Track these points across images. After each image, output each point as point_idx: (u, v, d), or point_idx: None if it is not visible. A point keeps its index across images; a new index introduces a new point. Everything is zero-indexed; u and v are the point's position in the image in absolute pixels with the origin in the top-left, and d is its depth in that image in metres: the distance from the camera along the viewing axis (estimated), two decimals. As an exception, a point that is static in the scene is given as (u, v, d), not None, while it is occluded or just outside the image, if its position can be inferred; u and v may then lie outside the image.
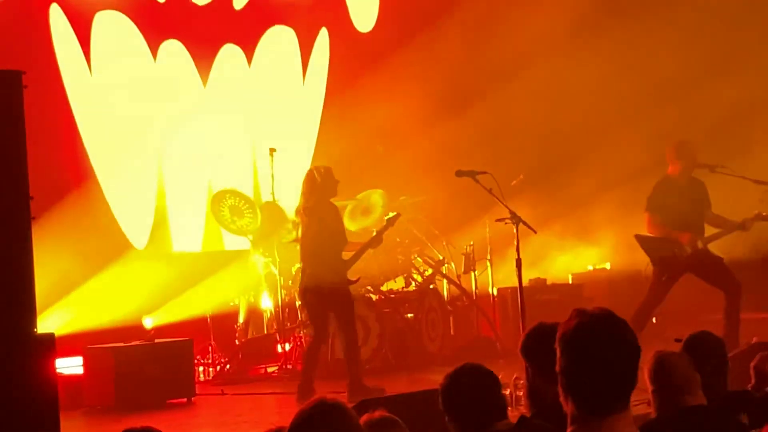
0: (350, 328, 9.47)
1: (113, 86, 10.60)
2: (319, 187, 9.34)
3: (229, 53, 11.29)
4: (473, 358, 3.93)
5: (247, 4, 11.49)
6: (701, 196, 10.30)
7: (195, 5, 11.03)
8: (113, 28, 10.53)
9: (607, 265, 13.51)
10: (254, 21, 11.52)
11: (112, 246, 10.94)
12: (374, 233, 9.94)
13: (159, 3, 11.01)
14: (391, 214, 10.20)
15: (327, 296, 9.32)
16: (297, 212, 9.68)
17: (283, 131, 11.77)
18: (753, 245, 11.92)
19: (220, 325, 11.30)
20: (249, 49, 11.46)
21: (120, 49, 10.61)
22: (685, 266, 10.00)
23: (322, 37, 12.07)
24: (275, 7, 11.70)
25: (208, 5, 11.11)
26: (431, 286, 11.68)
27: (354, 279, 9.75)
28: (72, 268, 10.49)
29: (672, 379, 4.27)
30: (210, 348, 10.98)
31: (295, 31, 11.85)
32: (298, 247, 9.66)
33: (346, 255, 9.57)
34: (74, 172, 10.48)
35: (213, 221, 11.35)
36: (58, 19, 10.25)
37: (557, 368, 3.05)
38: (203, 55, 11.14)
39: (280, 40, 11.72)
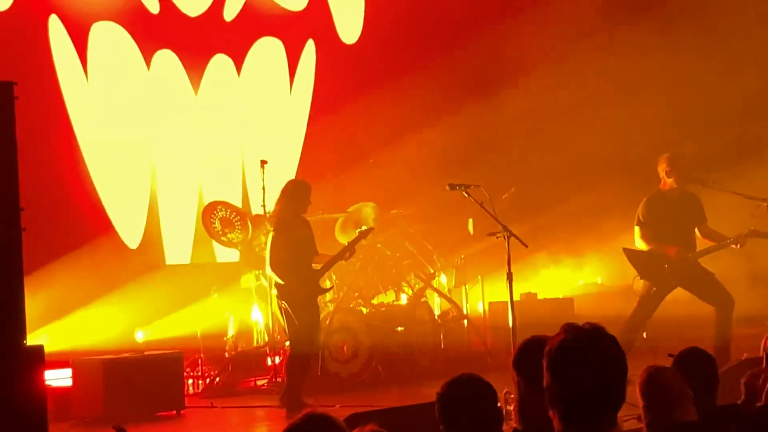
0: (311, 338, 9.26)
1: (108, 93, 10.80)
2: (292, 200, 9.31)
3: (220, 63, 11.42)
4: (464, 372, 3.80)
5: (237, 16, 11.53)
6: (694, 210, 10.17)
7: (187, 17, 11.15)
8: (109, 38, 10.72)
9: (599, 280, 13.29)
10: (244, 32, 11.64)
11: (107, 248, 10.88)
12: (346, 244, 9.81)
13: (153, 14, 11.08)
14: (363, 227, 10.28)
15: (293, 305, 9.21)
16: (269, 220, 9.76)
17: (270, 139, 11.88)
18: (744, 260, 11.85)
19: (210, 337, 11.21)
20: (238, 59, 11.57)
21: (115, 58, 10.80)
22: (674, 281, 9.85)
23: (309, 49, 12.14)
24: (264, 19, 11.75)
25: (199, 17, 11.21)
26: (422, 300, 11.54)
27: (327, 287, 9.87)
28: (69, 278, 10.26)
29: (663, 394, 4.24)
30: (200, 360, 10.88)
31: (283, 42, 11.93)
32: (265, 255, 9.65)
33: (317, 266, 9.44)
34: (72, 176, 10.56)
35: (203, 232, 11.23)
36: (56, 29, 10.43)
37: (544, 383, 3.05)
38: (195, 64, 11.27)
39: (268, 51, 11.85)
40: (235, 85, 11.50)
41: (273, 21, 11.77)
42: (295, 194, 9.39)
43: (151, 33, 10.96)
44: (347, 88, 12.40)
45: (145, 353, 9.56)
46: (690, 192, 10.21)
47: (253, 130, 11.77)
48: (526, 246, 8.70)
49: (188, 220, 11.60)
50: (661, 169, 10.07)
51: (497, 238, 8.59)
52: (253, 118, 11.77)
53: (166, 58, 11.03)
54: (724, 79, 14.06)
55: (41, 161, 10.11)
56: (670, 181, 9.98)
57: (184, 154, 11.50)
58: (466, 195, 9.08)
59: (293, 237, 9.35)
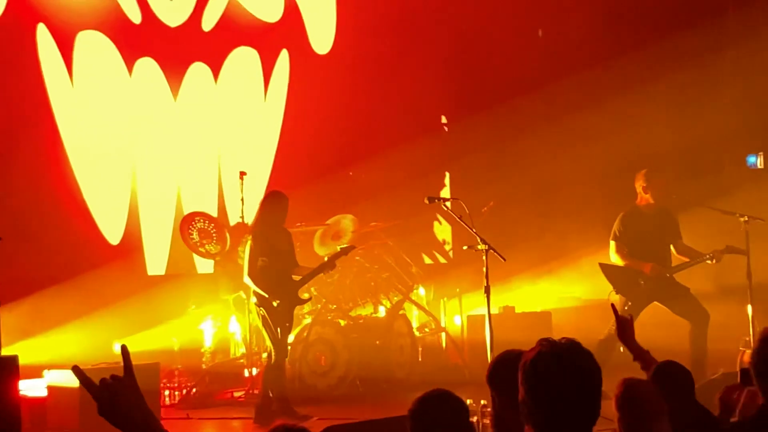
0: (281, 348, 9.24)
1: (92, 98, 10.91)
2: (270, 210, 9.30)
3: (198, 71, 11.50)
4: (441, 385, 3.81)
5: (215, 26, 11.56)
6: (670, 227, 10.12)
7: (167, 27, 11.25)
8: (93, 46, 10.85)
9: (576, 294, 13.05)
10: (221, 42, 11.69)
11: (88, 243, 10.95)
12: (325, 258, 9.70)
13: (135, 24, 11.03)
14: (345, 245, 10.01)
15: (270, 313, 9.18)
16: (247, 230, 9.66)
17: (244, 145, 11.94)
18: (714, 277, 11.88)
19: (187, 348, 11.07)
20: (216, 68, 11.62)
21: (99, 65, 10.90)
22: (649, 296, 9.79)
23: (283, 58, 12.15)
24: (240, 30, 11.79)
25: (179, 27, 11.31)
26: (400, 312, 11.33)
27: (305, 298, 9.64)
28: (49, 291, 10.26)
29: (639, 407, 4.17)
30: (176, 372, 10.71)
31: (258, 52, 12.00)
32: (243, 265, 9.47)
33: (297, 277, 9.43)
34: (57, 176, 10.67)
35: (181, 241, 11.06)
36: (44, 37, 10.59)
37: (519, 397, 3.03)
38: (174, 71, 11.37)
39: (244, 60, 11.89)
40: (212, 92, 11.60)
41: (249, 31, 11.85)
42: (272, 204, 9.36)
43: (133, 42, 11.09)
44: (320, 97, 12.34)
45: (120, 363, 9.65)
46: (666, 209, 10.16)
47: (228, 136, 11.83)
48: (504, 259, 8.58)
49: (166, 222, 11.58)
50: (639, 184, 10.06)
51: (475, 251, 8.45)
52: (229, 124, 11.83)
53: (147, 66, 11.14)
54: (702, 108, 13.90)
55: (27, 162, 10.32)
56: (647, 196, 9.98)
57: (163, 157, 11.35)
58: (446, 208, 9.02)
59: (271, 246, 9.31)
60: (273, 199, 9.44)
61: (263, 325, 9.33)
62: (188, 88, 11.41)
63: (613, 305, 4.87)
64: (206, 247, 11.05)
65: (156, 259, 11.62)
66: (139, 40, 11.10)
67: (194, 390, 10.49)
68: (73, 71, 10.73)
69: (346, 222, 11.25)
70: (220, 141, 11.76)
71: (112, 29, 10.90)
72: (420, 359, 11.29)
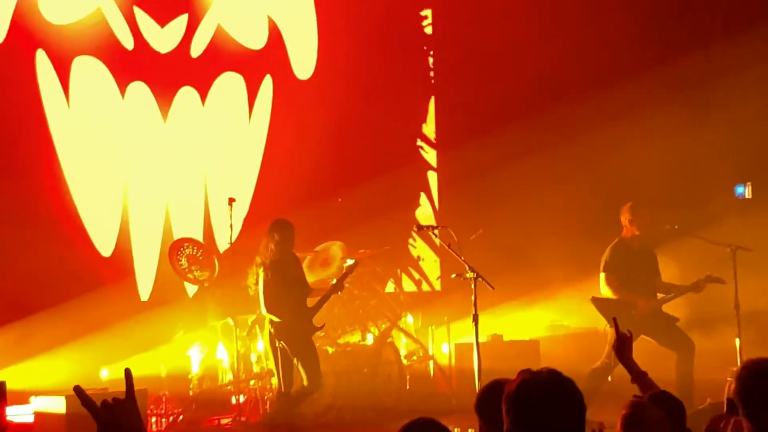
0: (314, 374, 9.06)
1: (87, 119, 11.11)
2: (281, 239, 9.15)
3: (186, 94, 11.68)
4: (428, 414, 3.73)
5: (203, 52, 11.73)
6: (651, 263, 10.03)
7: (158, 53, 11.46)
8: (89, 71, 11.06)
9: (565, 322, 12.88)
10: (208, 67, 11.86)
11: (81, 257, 11.00)
12: (334, 281, 9.52)
13: (128, 50, 11.24)
14: (349, 262, 9.83)
15: (293, 344, 9.04)
16: (258, 264, 9.33)
17: (229, 164, 12.05)
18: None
19: (174, 374, 10.87)
20: (203, 91, 11.80)
21: (94, 88, 11.11)
22: (640, 329, 9.49)
23: (267, 83, 12.26)
24: (226, 56, 11.95)
25: (169, 53, 11.53)
26: (388, 340, 11.11)
27: (319, 326, 9.37)
28: (38, 316, 10.35)
29: (645, 429, 4.14)
30: (163, 398, 10.51)
31: (244, 77, 12.11)
32: (258, 297, 9.30)
33: (311, 302, 9.29)
34: (54, 193, 10.88)
35: (169, 266, 10.90)
36: (43, 62, 10.83)
37: (504, 428, 3.03)
38: (164, 95, 11.55)
39: (230, 84, 12.03)
40: (200, 115, 11.75)
41: (235, 58, 12.02)
42: (283, 232, 9.23)
43: (126, 66, 11.30)
44: (302, 121, 12.40)
45: (109, 390, 8.79)
46: (648, 245, 10.05)
47: (214, 157, 11.91)
48: (493, 288, 8.43)
49: (154, 241, 11.65)
50: (624, 218, 9.97)
51: (464, 279, 8.34)
52: (215, 145, 11.95)
53: (138, 89, 11.36)
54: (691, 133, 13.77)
55: (24, 179, 10.63)
56: (632, 229, 9.89)
57: (152, 176, 11.48)
58: (434, 236, 8.99)
59: (286, 276, 9.18)
60: (283, 226, 9.29)
61: (280, 356, 9.09)
62: (177, 110, 11.61)
63: (615, 319, 4.89)
64: (195, 273, 10.94)
65: (145, 282, 11.64)
66: (132, 65, 11.32)
67: (181, 417, 10.39)
68: (70, 93, 10.99)
69: (335, 249, 11.09)
70: (207, 161, 11.93)
71: (106, 55, 11.15)
72: (408, 387, 11.16)
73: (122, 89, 11.28)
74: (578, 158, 13.63)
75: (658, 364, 9.43)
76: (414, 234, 13.43)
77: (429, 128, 13.45)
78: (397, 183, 12.98)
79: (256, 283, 9.37)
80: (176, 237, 11.70)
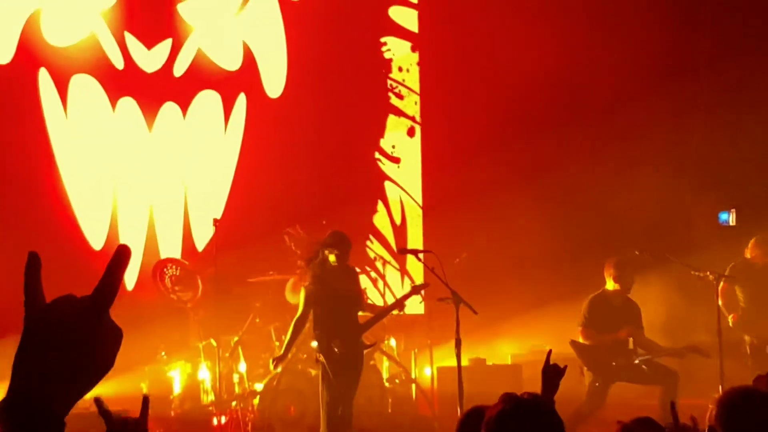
0: (351, 394, 8.47)
1: (83, 129, 11.40)
2: (339, 252, 8.42)
3: (169, 109, 11.89)
4: None
5: (185, 72, 11.91)
6: (634, 318, 9.61)
7: (145, 72, 11.68)
8: (84, 87, 11.39)
9: (548, 347, 12.88)
10: (189, 85, 11.99)
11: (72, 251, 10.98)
12: (396, 299, 9.01)
13: (118, 70, 11.49)
14: (418, 282, 9.15)
15: (343, 360, 8.39)
16: (311, 280, 8.56)
17: (205, 172, 12.16)
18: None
19: (156, 394, 10.37)
20: (184, 106, 11.98)
21: (89, 101, 11.41)
22: (619, 375, 9.29)
23: (241, 101, 12.33)
24: (205, 76, 12.08)
25: (155, 72, 11.73)
26: (371, 363, 10.46)
27: (370, 344, 8.81)
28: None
29: None
30: None
31: (220, 94, 12.21)
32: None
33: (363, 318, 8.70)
34: (53, 195, 11.28)
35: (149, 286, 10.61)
36: (44, 79, 11.21)
37: None
38: (149, 109, 11.75)
39: (208, 101, 12.15)
40: (181, 127, 11.95)
41: (213, 77, 12.15)
42: (341, 246, 8.47)
43: (117, 84, 11.54)
44: (273, 134, 12.42)
45: (90, 409, 9.23)
46: (631, 299, 9.66)
47: (193, 163, 12.02)
48: (476, 312, 8.02)
49: (139, 239, 11.66)
50: (608, 273, 9.59)
51: (447, 303, 8.01)
52: (194, 154, 12.07)
53: (127, 104, 11.62)
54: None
55: (26, 182, 11.10)
56: (616, 285, 9.52)
57: (138, 179, 11.65)
58: (418, 260, 8.65)
59: (337, 290, 8.49)
60: (340, 239, 8.57)
61: (321, 375, 8.50)
62: (161, 123, 11.80)
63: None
64: (177, 294, 10.60)
65: (130, 276, 11.50)
66: (122, 82, 11.55)
67: None
68: (67, 106, 11.30)
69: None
70: (187, 168, 12.02)
71: (100, 73, 11.45)
72: (389, 410, 10.64)
73: (113, 103, 11.52)
74: (564, 184, 13.31)
75: (639, 387, 9.62)
76: (372, 239, 13.16)
77: (386, 142, 13.38)
78: (356, 191, 12.92)
79: (305, 297, 8.65)
80: (159, 237, 11.79)
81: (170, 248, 11.81)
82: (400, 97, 13.52)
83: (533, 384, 4.41)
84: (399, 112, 13.55)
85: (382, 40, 13.45)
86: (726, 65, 13.36)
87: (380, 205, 13.39)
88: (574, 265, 12.03)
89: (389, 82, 13.46)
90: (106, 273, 1.57)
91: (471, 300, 8.03)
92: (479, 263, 11.97)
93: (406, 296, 8.71)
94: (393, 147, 13.49)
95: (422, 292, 8.89)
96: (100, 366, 1.54)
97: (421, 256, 8.80)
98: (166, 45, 11.86)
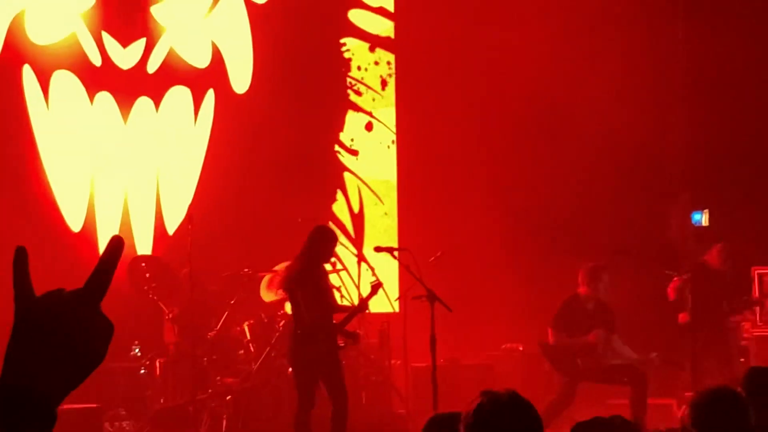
0: (341, 394, 8.36)
1: (63, 121, 11.67)
2: (321, 250, 8.37)
3: (143, 103, 12.19)
4: None
5: (158, 69, 12.23)
6: (607, 321, 9.53)
7: (120, 69, 11.98)
8: (65, 82, 11.67)
9: (521, 345, 12.13)
10: (161, 81, 12.29)
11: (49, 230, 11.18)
12: (361, 298, 8.91)
13: (96, 66, 11.77)
14: (373, 280, 9.01)
15: (317, 362, 8.32)
16: (295, 274, 8.43)
17: (174, 163, 12.51)
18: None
19: (131, 391, 10.42)
20: (157, 101, 12.29)
21: (69, 96, 11.69)
22: (586, 375, 9.26)
23: (209, 96, 12.61)
24: (176, 72, 12.40)
25: (130, 69, 12.04)
26: (343, 362, 9.49)
27: (342, 344, 8.63)
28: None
29: None
30: (120, 415, 10.04)
31: (191, 90, 12.49)
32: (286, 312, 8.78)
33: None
34: (35, 181, 11.61)
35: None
36: (28, 75, 11.52)
37: None
38: (125, 103, 12.02)
39: (179, 95, 12.46)
40: (154, 120, 12.27)
41: (183, 74, 12.47)
42: (315, 246, 8.36)
43: (95, 79, 11.81)
44: (239, 128, 12.66)
45: (63, 406, 8.66)
46: (605, 303, 9.58)
47: (164, 153, 12.36)
48: (450, 310, 7.94)
49: (115, 222, 11.87)
50: (582, 278, 9.59)
51: (422, 301, 7.97)
52: (165, 144, 12.38)
53: (104, 98, 11.92)
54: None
55: (9, 170, 11.42)
56: (588, 289, 9.51)
57: (114, 166, 11.96)
58: (393, 257, 8.72)
59: (317, 291, 8.40)
60: (322, 238, 8.47)
61: (296, 373, 8.47)
62: (135, 115, 12.10)
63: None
64: (152, 290, 10.66)
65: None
66: (99, 78, 11.82)
67: None
68: (49, 99, 11.60)
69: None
70: (159, 157, 12.34)
71: (79, 69, 11.72)
72: (364, 409, 10.53)
73: (91, 97, 11.81)
74: (533, 185, 13.28)
75: (611, 387, 9.64)
76: (331, 225, 12.91)
77: (345, 136, 13.78)
78: (317, 181, 13.29)
79: (285, 294, 8.66)
80: (133, 220, 11.94)
81: (143, 231, 12.12)
82: (358, 93, 14.00)
83: (507, 383, 4.26)
84: (357, 108, 14.01)
85: (342, 41, 13.88)
86: (702, 66, 13.17)
87: (339, 194, 13.81)
88: (547, 266, 11.96)
89: (348, 80, 13.91)
90: (99, 265, 1.53)
91: (446, 298, 7.93)
92: (454, 262, 11.87)
93: (369, 296, 8.59)
94: (352, 140, 13.92)
95: (381, 289, 8.80)
96: (91, 359, 1.51)
97: (396, 254, 8.80)
98: (140, 44, 12.14)
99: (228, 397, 10.05)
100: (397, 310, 12.04)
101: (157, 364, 10.60)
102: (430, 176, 13.64)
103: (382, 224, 13.89)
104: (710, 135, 13.24)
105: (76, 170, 11.82)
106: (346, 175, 13.86)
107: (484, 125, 13.70)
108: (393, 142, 14.09)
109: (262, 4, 13.09)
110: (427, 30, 13.75)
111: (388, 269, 11.80)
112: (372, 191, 13.96)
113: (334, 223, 13.56)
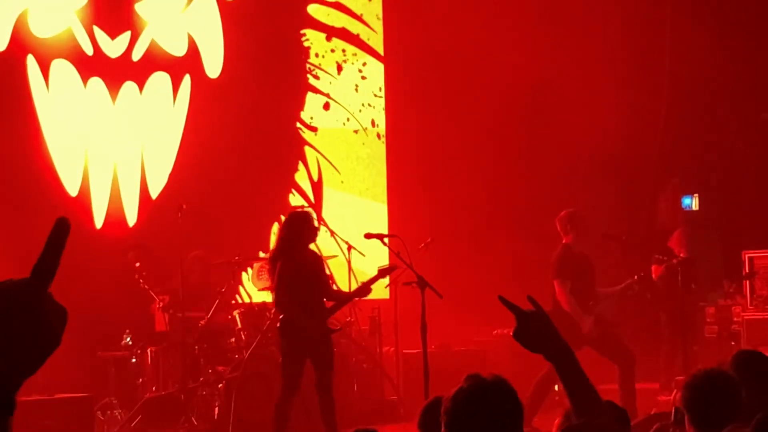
0: (328, 379, 8.06)
1: (61, 101, 12.45)
2: (296, 233, 8.13)
3: (129, 86, 12.96)
4: (377, 422, 3.02)
5: (141, 57, 12.98)
6: (591, 268, 9.44)
7: (109, 57, 12.76)
8: (62, 69, 12.47)
9: (511, 332, 10.74)
10: (144, 68, 13.01)
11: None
12: (359, 283, 8.61)
13: (89, 56, 12.54)
14: (384, 265, 8.90)
15: (305, 344, 8.00)
16: (272, 258, 8.29)
17: (157, 136, 13.25)
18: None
19: (122, 380, 10.24)
20: (141, 85, 13.01)
21: (65, 81, 12.47)
22: (581, 341, 8.74)
23: (186, 81, 13.30)
24: (158, 60, 13.14)
25: (117, 57, 12.84)
26: (335, 349, 9.24)
27: (336, 328, 8.39)
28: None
29: None
30: (112, 404, 9.78)
31: (170, 75, 13.20)
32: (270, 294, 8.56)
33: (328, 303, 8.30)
34: (37, 152, 12.35)
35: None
36: (31, 63, 12.31)
37: None
38: (113, 86, 12.81)
39: (160, 80, 13.19)
40: (138, 101, 13.03)
41: (163, 61, 13.23)
42: (300, 228, 8.16)
43: (87, 66, 12.58)
44: (212, 108, 13.23)
45: (54, 396, 8.42)
46: (585, 253, 9.39)
47: (147, 130, 13.15)
48: (441, 297, 7.70)
49: (105, 191, 12.53)
50: (562, 226, 9.38)
51: (413, 287, 7.77)
52: (149, 123, 13.17)
53: (95, 82, 12.70)
54: None
55: (15, 148, 12.03)
56: (571, 236, 9.30)
57: (104, 141, 12.72)
58: (384, 244, 8.49)
59: (303, 272, 8.14)
60: (303, 220, 8.32)
61: (282, 355, 8.22)
62: (122, 97, 12.90)
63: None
64: (144, 279, 10.63)
65: (99, 211, 12.38)
66: (91, 65, 12.60)
67: (131, 424, 9.67)
68: (49, 83, 12.44)
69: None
70: (143, 134, 13.04)
71: (74, 58, 12.54)
72: (355, 395, 10.40)
73: (85, 82, 12.60)
74: (525, 171, 13.04)
75: (600, 372, 8.30)
76: (294, 192, 14.13)
77: (305, 114, 14.53)
78: (281, 154, 14.01)
79: (270, 278, 8.43)
80: (121, 187, 12.66)
81: (130, 196, 12.94)
82: (316, 77, 14.84)
83: (498, 369, 4.02)
84: (316, 90, 14.84)
85: (302, 32, 14.66)
86: (689, 49, 13.01)
87: (300, 165, 14.61)
88: (537, 251, 11.49)
89: (307, 65, 14.77)
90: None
91: (437, 284, 7.73)
92: (444, 248, 11.66)
93: (372, 281, 8.39)
94: (311, 118, 14.73)
95: (388, 275, 8.63)
96: (46, 345, 1.50)
97: (386, 240, 8.63)
98: (126, 36, 12.88)
99: (219, 385, 9.87)
100: (387, 296, 11.84)
101: (149, 353, 10.40)
102: (418, 163, 13.96)
103: (340, 189, 14.79)
104: (698, 120, 12.99)
105: (72, 144, 12.57)
106: (307, 149, 14.61)
107: (473, 113, 13.86)
108: (348, 119, 14.91)
109: (232, 2, 13.86)
110: (416, 19, 14.15)
111: (373, 252, 11.63)
112: (329, 162, 14.79)
113: (296, 190, 14.36)
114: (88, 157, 12.66)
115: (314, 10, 14.82)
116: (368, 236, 8.26)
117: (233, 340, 10.11)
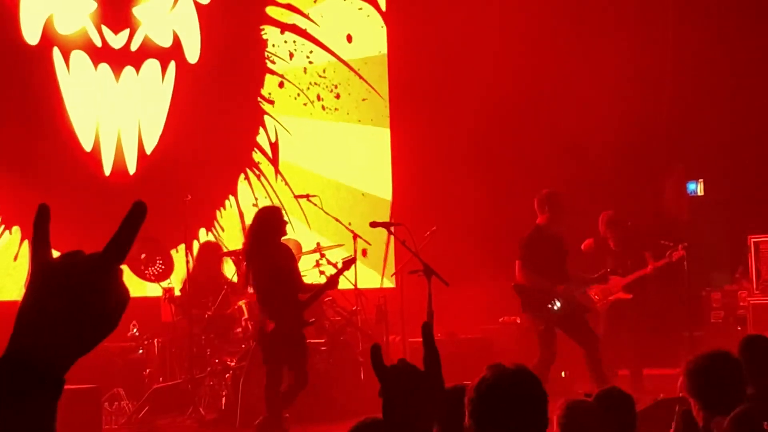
0: (301, 371, 7.75)
1: (79, 81, 14.25)
2: (267, 227, 7.77)
3: (129, 70, 14.89)
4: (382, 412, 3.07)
5: (138, 48, 14.81)
6: (563, 250, 9.00)
7: (114, 48, 14.61)
8: (79, 57, 14.40)
9: (519, 319, 11.21)
10: (140, 55, 14.85)
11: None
12: (328, 277, 8.19)
13: (98, 47, 14.32)
14: (348, 255, 8.55)
15: (282, 339, 7.76)
16: (247, 255, 7.97)
17: (150, 107, 14.92)
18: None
19: (129, 371, 9.92)
20: (137, 68, 14.88)
21: (81, 66, 14.33)
22: (554, 320, 8.37)
23: (172, 65, 15.04)
24: (150, 50, 14.98)
25: (120, 48, 14.71)
26: (341, 338, 9.78)
27: (310, 320, 8.13)
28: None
29: (582, 428, 3.88)
30: (119, 395, 9.35)
31: (159, 61, 14.95)
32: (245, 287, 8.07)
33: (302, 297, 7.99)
34: (61, 119, 14.08)
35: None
36: (56, 54, 14.17)
37: (465, 423, 2.83)
38: (117, 70, 14.73)
39: (152, 65, 15.01)
40: (136, 81, 14.86)
41: (154, 51, 15.18)
42: (271, 223, 7.72)
43: (97, 55, 14.42)
44: (191, 89, 14.78)
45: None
46: (559, 233, 8.80)
47: (143, 103, 14.85)
48: (447, 284, 7.30)
49: (110, 148, 14.21)
50: (540, 206, 8.85)
51: (419, 276, 7.35)
52: (144, 98, 14.89)
53: (104, 67, 14.65)
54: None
55: (44, 116, 13.62)
56: (546, 217, 8.77)
57: (110, 112, 14.52)
58: (389, 232, 8.05)
59: (277, 267, 7.79)
60: (274, 215, 7.89)
61: (262, 349, 7.78)
62: (124, 78, 14.84)
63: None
64: (150, 269, 10.22)
65: (107, 158, 14.26)
66: (100, 54, 14.49)
67: (139, 414, 9.28)
68: (69, 68, 14.32)
69: (292, 244, 10.07)
70: (139, 108, 14.76)
71: (88, 49, 14.48)
72: (362, 383, 10.05)
73: (96, 66, 14.64)
74: (527, 158, 12.79)
75: (606, 360, 8.84)
76: (256, 150, 15.77)
77: (264, 90, 16.25)
78: (244, 121, 15.71)
79: (243, 274, 8.03)
80: (124, 146, 14.24)
81: (130, 153, 14.70)
82: (272, 62, 16.95)
83: (504, 357, 3.97)
84: (272, 72, 16.94)
85: (261, 27, 16.76)
86: (693, 35, 12.75)
87: (261, 129, 16.59)
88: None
89: (266, 53, 16.93)
90: (120, 230, 1.50)
91: (442, 272, 7.31)
92: (450, 236, 11.32)
93: (339, 273, 8.07)
94: (269, 93, 16.82)
95: (352, 267, 8.11)
96: (104, 327, 1.50)
97: (392, 228, 8.26)
98: (126, 32, 15.01)
99: (226, 375, 9.74)
100: (393, 285, 11.69)
101: (156, 344, 10.25)
102: (422, 153, 14.19)
103: (291, 148, 16.50)
104: (703, 105, 12.42)
105: (86, 113, 14.53)
106: (266, 117, 16.59)
107: (477, 102, 13.81)
108: (298, 94, 16.71)
109: (206, 5, 15.81)
110: (419, 14, 14.45)
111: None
112: (283, 127, 16.73)
113: (257, 148, 15.97)
114: (98, 123, 14.59)
115: (271, 10, 16.85)
116: (374, 225, 7.82)
117: (240, 330, 9.83)
